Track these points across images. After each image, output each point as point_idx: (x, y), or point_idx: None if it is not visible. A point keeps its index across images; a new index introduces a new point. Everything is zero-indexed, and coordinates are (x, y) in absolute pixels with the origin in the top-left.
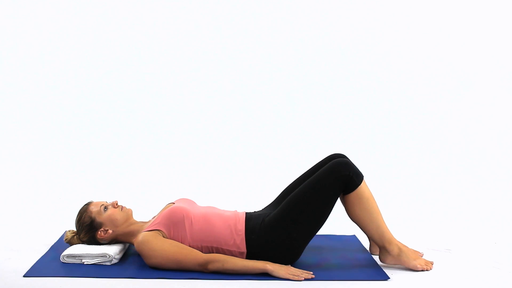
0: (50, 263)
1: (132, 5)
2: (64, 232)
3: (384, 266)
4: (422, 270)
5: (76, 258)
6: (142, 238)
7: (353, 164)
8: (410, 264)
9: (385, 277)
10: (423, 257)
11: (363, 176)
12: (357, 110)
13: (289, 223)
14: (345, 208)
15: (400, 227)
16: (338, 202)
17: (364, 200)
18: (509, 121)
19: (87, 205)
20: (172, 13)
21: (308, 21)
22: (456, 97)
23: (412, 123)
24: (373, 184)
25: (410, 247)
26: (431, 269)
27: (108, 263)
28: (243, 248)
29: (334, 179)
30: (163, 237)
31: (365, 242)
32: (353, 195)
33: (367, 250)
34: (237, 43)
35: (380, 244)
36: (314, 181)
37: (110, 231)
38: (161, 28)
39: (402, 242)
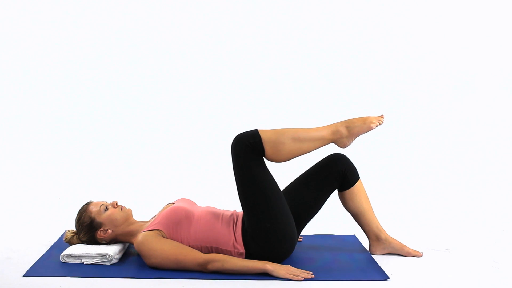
0: (49, 263)
1: (132, 5)
2: (64, 232)
3: (384, 266)
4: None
5: (76, 258)
6: (141, 238)
7: (349, 160)
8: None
9: (385, 277)
10: (423, 257)
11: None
12: (357, 110)
13: (254, 217)
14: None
15: (400, 227)
16: (337, 202)
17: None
18: (509, 121)
19: (87, 205)
20: (172, 12)
21: (307, 20)
22: (457, 97)
23: (412, 123)
24: (373, 184)
25: (410, 247)
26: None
27: (107, 263)
28: (242, 249)
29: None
30: (163, 237)
31: (365, 242)
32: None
33: (367, 250)
34: (237, 43)
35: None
36: (234, 168)
37: (109, 231)
38: (160, 28)
39: (402, 242)
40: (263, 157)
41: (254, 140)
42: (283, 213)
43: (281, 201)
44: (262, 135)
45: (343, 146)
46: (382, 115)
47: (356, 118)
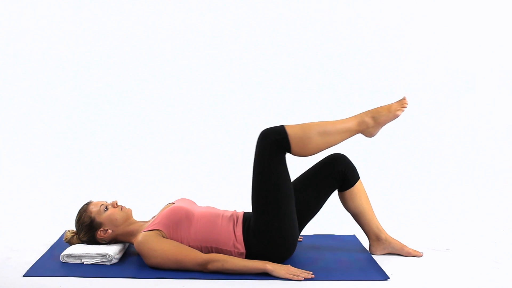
0: (49, 263)
1: (132, 5)
2: (64, 232)
3: (384, 266)
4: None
5: (76, 258)
6: (141, 238)
7: (350, 161)
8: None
9: (385, 277)
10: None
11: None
12: (357, 110)
13: (265, 216)
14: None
15: (400, 227)
16: (337, 202)
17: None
18: (509, 121)
19: (87, 205)
20: (171, 12)
21: (306, 21)
22: (458, 97)
23: (412, 123)
24: (373, 184)
25: (410, 247)
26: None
27: (107, 263)
28: (242, 249)
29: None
30: (163, 237)
31: (365, 242)
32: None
33: (367, 250)
34: (237, 43)
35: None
36: (254, 164)
37: (109, 231)
38: (159, 28)
39: (402, 242)
40: (287, 153)
41: (281, 136)
42: (292, 215)
43: (292, 202)
44: (288, 131)
45: (370, 136)
46: (404, 97)
47: (381, 107)
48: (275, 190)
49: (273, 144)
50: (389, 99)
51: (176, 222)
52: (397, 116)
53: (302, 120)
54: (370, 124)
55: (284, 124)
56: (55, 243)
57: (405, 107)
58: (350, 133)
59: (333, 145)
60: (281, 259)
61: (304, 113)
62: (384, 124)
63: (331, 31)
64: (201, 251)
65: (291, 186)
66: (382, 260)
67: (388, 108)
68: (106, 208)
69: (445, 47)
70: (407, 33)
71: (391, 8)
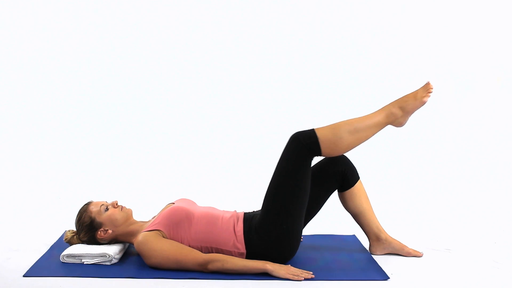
0: (50, 263)
1: (131, 5)
2: (64, 232)
3: (384, 266)
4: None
5: (76, 258)
6: (142, 238)
7: (349, 160)
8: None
9: (385, 277)
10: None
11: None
12: (357, 110)
13: (275, 216)
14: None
15: (400, 227)
16: (337, 202)
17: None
18: (509, 121)
19: (87, 205)
20: (171, 12)
21: (306, 20)
22: (458, 97)
23: (412, 123)
24: (373, 184)
25: (410, 247)
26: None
27: (108, 263)
28: (243, 249)
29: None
30: (163, 237)
31: (365, 242)
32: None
33: (367, 250)
34: (237, 43)
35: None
36: (279, 165)
37: (110, 231)
38: (159, 28)
39: (402, 242)
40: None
41: (311, 140)
42: (302, 219)
43: (305, 208)
44: (318, 134)
45: (400, 125)
46: (428, 82)
47: (406, 95)
48: (294, 193)
49: (303, 148)
50: (389, 99)
51: (176, 222)
52: (424, 103)
53: (302, 118)
54: (398, 114)
55: (315, 127)
56: (55, 243)
57: (431, 92)
58: (380, 126)
59: (364, 141)
60: (283, 261)
61: (304, 113)
62: (412, 112)
63: (327, 28)
64: (201, 251)
65: (309, 191)
66: (382, 260)
67: (414, 95)
68: (107, 208)
69: (444, 47)
70: (406, 33)
71: (391, 8)
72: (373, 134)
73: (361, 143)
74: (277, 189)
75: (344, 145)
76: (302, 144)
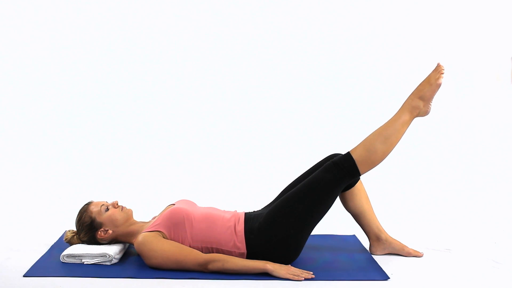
0: (50, 263)
1: (131, 5)
2: (64, 232)
3: (384, 266)
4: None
5: (76, 258)
6: (142, 239)
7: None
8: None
9: (385, 277)
10: (422, 257)
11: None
12: (357, 110)
13: (286, 220)
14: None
15: (400, 227)
16: (337, 202)
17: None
18: (509, 121)
19: (87, 205)
20: (171, 12)
21: (307, 20)
22: (457, 97)
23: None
24: (373, 184)
25: (410, 247)
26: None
27: (108, 263)
28: (243, 249)
29: (333, 176)
30: (163, 238)
31: (365, 242)
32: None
33: (367, 250)
34: (237, 43)
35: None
36: (312, 179)
37: (110, 231)
38: (159, 28)
39: (402, 242)
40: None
41: (349, 164)
42: (310, 230)
43: (317, 222)
44: (354, 156)
45: (426, 114)
46: (438, 64)
47: (420, 84)
48: (315, 206)
49: (342, 171)
50: (389, 99)
51: (177, 223)
52: (440, 85)
53: (302, 118)
54: (420, 105)
55: (349, 150)
56: (55, 243)
57: (443, 73)
58: (408, 124)
59: (398, 143)
60: (284, 262)
61: (305, 113)
62: (432, 98)
63: (327, 28)
64: (202, 252)
65: (328, 209)
66: (382, 260)
67: (427, 81)
68: (107, 209)
69: (444, 46)
70: (406, 33)
71: (391, 8)
72: (404, 133)
73: (395, 146)
74: (297, 198)
75: (379, 156)
76: (340, 167)
